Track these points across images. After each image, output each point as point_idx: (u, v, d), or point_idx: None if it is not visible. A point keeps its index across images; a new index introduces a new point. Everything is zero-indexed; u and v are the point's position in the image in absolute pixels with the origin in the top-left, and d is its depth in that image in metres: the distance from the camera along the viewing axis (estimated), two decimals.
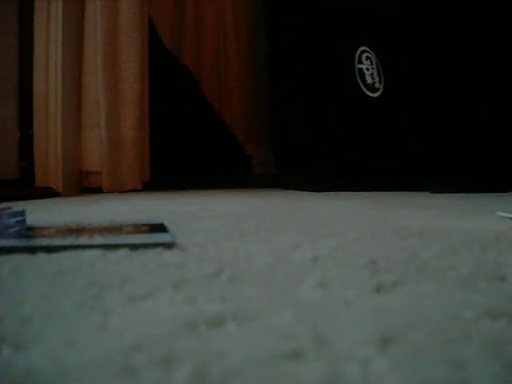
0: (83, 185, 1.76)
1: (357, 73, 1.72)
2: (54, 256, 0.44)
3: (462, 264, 0.40)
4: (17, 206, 0.64)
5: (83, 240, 0.49)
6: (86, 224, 0.62)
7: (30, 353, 0.22)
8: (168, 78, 2.08)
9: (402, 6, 1.57)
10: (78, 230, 0.57)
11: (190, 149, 2.10)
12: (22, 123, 1.65)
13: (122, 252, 0.45)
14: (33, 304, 0.29)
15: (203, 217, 0.83)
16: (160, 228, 0.59)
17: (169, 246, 0.48)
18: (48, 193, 1.56)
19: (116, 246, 0.46)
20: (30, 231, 0.56)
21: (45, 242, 0.49)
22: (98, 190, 1.72)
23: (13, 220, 0.54)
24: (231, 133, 2.31)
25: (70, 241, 0.49)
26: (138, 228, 0.60)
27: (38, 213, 0.91)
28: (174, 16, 2.25)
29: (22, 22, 1.65)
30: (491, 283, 0.34)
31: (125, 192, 1.73)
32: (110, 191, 1.71)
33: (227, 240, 0.54)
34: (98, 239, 0.50)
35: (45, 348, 0.22)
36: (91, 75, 1.73)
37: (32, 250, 0.45)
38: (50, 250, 0.45)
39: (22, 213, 0.56)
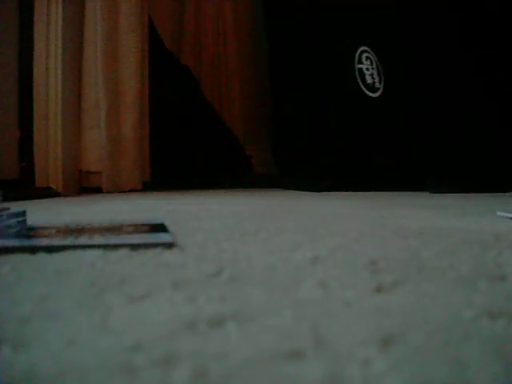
0: (83, 185, 1.76)
1: (357, 73, 1.72)
2: (54, 256, 0.44)
3: (462, 264, 0.40)
4: (17, 206, 0.64)
5: (83, 240, 0.49)
6: (86, 224, 0.62)
7: (29, 353, 0.22)
8: (168, 78, 2.08)
9: (402, 5, 1.57)
10: (78, 230, 0.57)
11: (190, 149, 2.10)
12: (22, 123, 1.65)
13: (122, 252, 0.45)
14: (33, 304, 0.29)
15: (203, 217, 0.83)
16: (160, 228, 0.59)
17: (169, 245, 0.48)
18: (48, 193, 1.56)
19: (116, 246, 0.46)
20: (30, 231, 0.56)
21: (45, 242, 0.49)
22: (97, 190, 1.72)
23: (14, 220, 0.54)
24: (231, 133, 2.31)
25: (70, 241, 0.49)
26: (138, 228, 0.60)
27: (38, 213, 0.91)
28: (173, 16, 2.26)
29: (22, 22, 1.65)
30: (491, 283, 0.34)
31: (125, 192, 1.73)
32: (109, 191, 1.71)
33: (227, 240, 0.54)
34: (98, 239, 0.50)
35: (45, 348, 0.22)
36: (91, 75, 1.73)
37: (32, 249, 0.45)
38: (49, 250, 0.45)
39: (23, 213, 0.56)
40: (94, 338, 0.24)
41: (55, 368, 0.20)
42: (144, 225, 0.62)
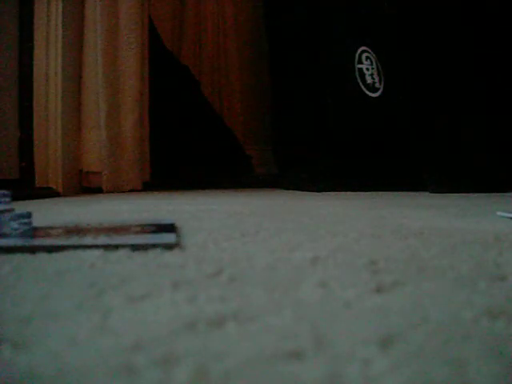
0: (83, 185, 1.76)
1: (357, 73, 1.72)
2: (54, 256, 0.44)
3: (462, 264, 0.40)
4: (17, 205, 0.64)
5: (83, 240, 0.49)
6: (86, 224, 0.62)
7: (29, 353, 0.22)
8: (168, 78, 2.08)
9: (402, 6, 1.57)
10: (78, 230, 0.57)
11: (190, 149, 2.10)
12: (22, 123, 1.65)
13: (123, 252, 0.45)
14: (33, 304, 0.29)
15: (203, 217, 0.83)
16: (167, 228, 0.59)
17: (169, 246, 0.48)
18: (48, 193, 1.56)
19: (117, 247, 0.46)
20: (30, 231, 0.56)
21: (45, 241, 0.49)
22: (98, 190, 1.72)
23: (19, 222, 0.53)
24: (231, 133, 2.31)
25: (70, 241, 0.49)
26: (142, 228, 0.60)
27: (38, 213, 0.91)
28: (173, 16, 2.26)
29: (22, 22, 1.65)
30: (491, 283, 0.34)
31: (125, 192, 1.73)
32: (110, 191, 1.71)
33: (227, 240, 0.54)
34: (98, 239, 0.50)
35: (45, 348, 0.22)
36: (91, 75, 1.73)
37: (32, 249, 0.45)
38: (50, 249, 0.45)
39: (29, 215, 0.55)
40: (93, 338, 0.24)
41: (55, 368, 0.20)
42: (149, 225, 0.62)
